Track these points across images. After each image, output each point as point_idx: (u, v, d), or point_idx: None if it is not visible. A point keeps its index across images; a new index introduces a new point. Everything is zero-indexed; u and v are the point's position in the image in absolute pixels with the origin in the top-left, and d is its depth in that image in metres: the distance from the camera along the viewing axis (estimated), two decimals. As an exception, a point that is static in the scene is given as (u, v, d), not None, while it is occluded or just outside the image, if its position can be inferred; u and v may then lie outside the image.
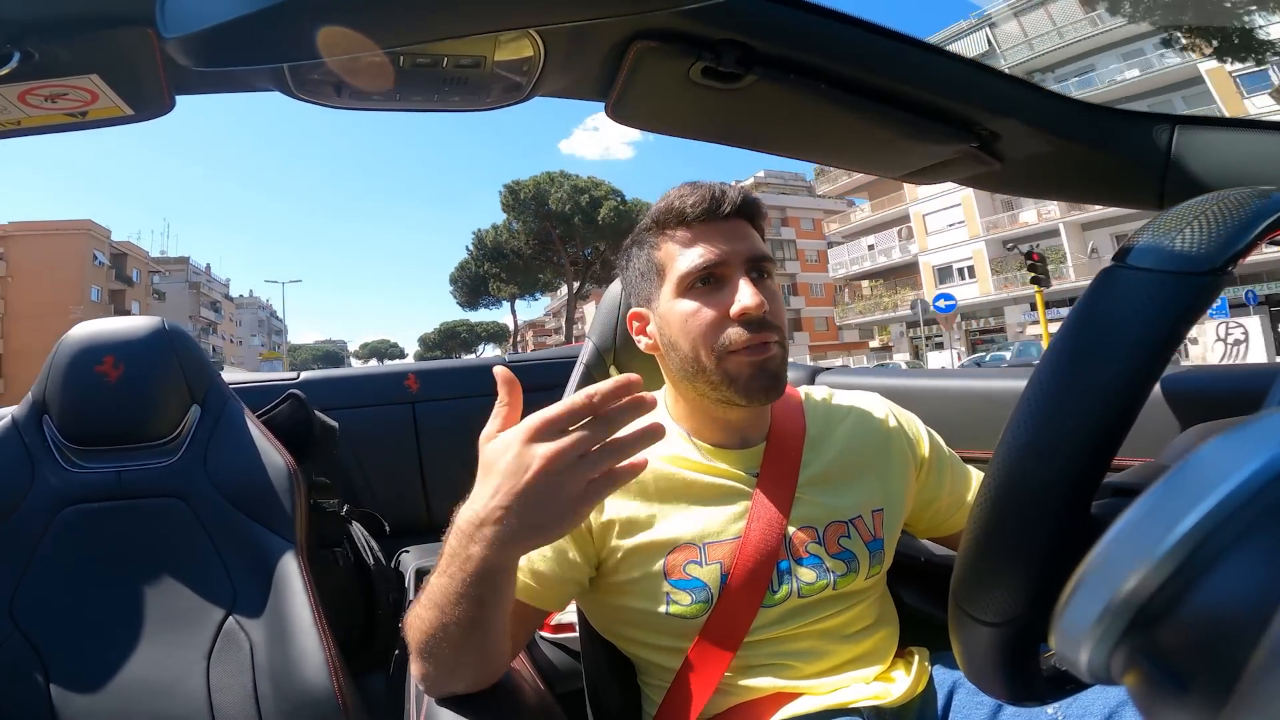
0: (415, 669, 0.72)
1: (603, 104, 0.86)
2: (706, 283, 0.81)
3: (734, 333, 0.79)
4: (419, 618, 0.68)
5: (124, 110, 0.70)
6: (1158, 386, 0.88)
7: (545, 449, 0.56)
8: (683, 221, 0.83)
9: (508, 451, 0.58)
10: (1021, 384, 0.38)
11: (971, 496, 0.85)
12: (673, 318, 0.82)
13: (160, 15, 0.39)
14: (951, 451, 0.94)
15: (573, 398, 0.57)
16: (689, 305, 0.81)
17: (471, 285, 31.12)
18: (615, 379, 0.56)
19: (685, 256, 0.82)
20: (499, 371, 0.62)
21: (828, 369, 1.48)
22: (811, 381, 1.41)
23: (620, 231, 25.47)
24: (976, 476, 0.93)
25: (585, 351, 1.26)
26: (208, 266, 51.60)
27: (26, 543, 1.12)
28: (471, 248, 30.59)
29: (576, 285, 29.62)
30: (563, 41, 0.75)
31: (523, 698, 0.78)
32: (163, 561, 1.14)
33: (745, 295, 0.78)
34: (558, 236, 27.24)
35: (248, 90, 0.77)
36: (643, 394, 0.57)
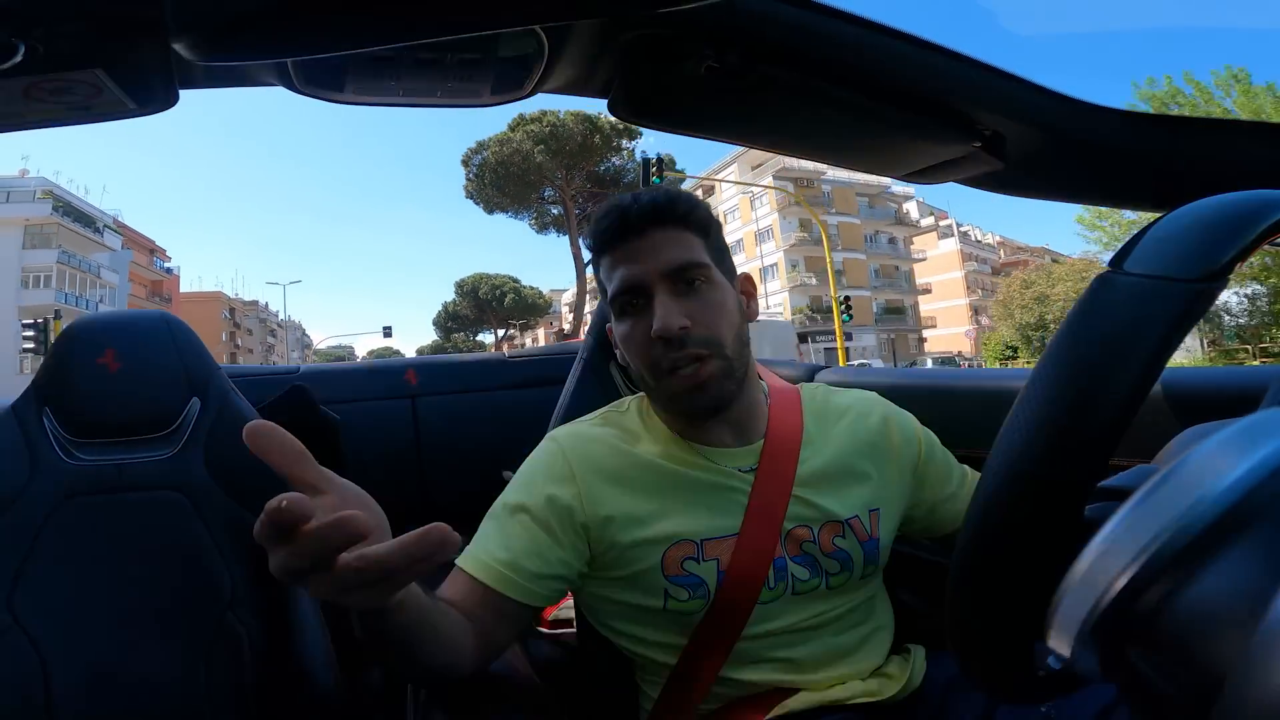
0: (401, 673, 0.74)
1: (605, 100, 0.86)
2: (634, 304, 0.80)
3: (659, 354, 0.78)
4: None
5: (128, 105, 0.71)
6: (1156, 386, 0.88)
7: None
8: (603, 247, 0.82)
9: None
10: (1019, 384, 0.38)
11: (968, 494, 0.86)
12: (619, 339, 0.84)
13: (166, 10, 0.40)
14: (946, 450, 0.94)
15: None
16: (624, 327, 0.82)
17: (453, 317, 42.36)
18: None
19: (612, 280, 0.81)
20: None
21: (825, 368, 1.48)
22: (810, 380, 1.41)
23: (522, 310, 40.12)
24: (973, 475, 0.93)
25: (585, 347, 1.26)
26: (267, 303, 64.25)
27: (26, 535, 1.12)
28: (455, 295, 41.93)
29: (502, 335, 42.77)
30: (566, 38, 0.75)
31: (520, 693, 0.78)
32: (162, 554, 1.14)
33: (659, 315, 0.77)
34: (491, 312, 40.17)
35: (251, 85, 0.78)
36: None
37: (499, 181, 29.66)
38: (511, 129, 29.52)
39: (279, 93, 0.77)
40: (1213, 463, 0.26)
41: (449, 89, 0.79)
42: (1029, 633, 0.36)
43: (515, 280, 40.95)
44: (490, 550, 0.79)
